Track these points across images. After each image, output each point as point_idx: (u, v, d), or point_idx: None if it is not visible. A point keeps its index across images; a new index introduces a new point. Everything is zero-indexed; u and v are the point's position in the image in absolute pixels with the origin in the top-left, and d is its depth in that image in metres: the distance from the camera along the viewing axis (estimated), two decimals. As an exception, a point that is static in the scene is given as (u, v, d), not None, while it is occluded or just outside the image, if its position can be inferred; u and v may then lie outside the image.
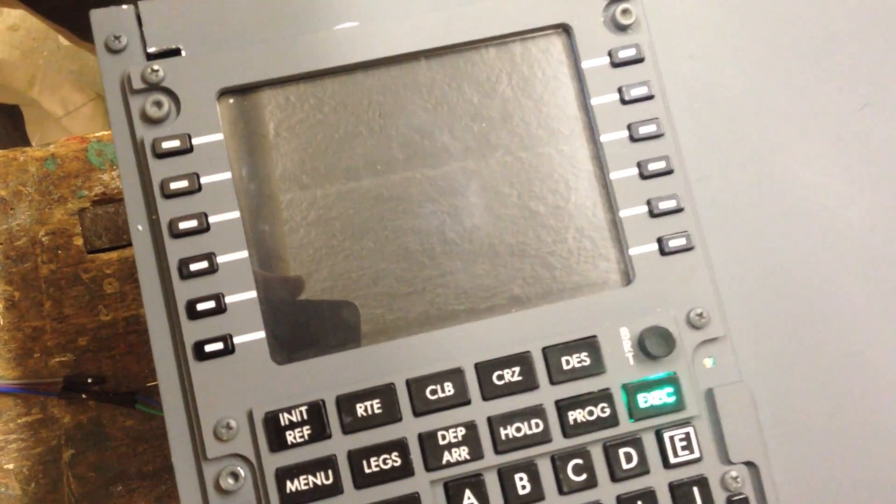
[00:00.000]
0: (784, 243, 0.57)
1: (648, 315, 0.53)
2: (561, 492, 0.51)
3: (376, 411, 0.51)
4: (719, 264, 0.56)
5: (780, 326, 0.56)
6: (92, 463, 0.69)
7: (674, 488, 0.52)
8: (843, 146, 0.57)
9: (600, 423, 0.52)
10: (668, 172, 0.55)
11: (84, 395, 0.67)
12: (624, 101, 0.54)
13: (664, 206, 0.55)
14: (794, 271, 0.57)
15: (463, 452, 0.51)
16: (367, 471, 0.50)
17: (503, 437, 0.51)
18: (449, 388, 0.51)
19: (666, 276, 0.54)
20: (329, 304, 0.54)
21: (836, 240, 0.57)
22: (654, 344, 0.52)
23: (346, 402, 0.51)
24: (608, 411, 0.52)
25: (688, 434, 0.53)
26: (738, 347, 0.55)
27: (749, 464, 0.53)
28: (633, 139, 0.54)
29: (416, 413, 0.51)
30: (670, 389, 0.53)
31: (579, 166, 0.56)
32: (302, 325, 0.53)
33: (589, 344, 0.53)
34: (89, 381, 0.67)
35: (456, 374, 0.52)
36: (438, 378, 0.52)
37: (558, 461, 0.52)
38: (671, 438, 0.53)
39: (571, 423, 0.52)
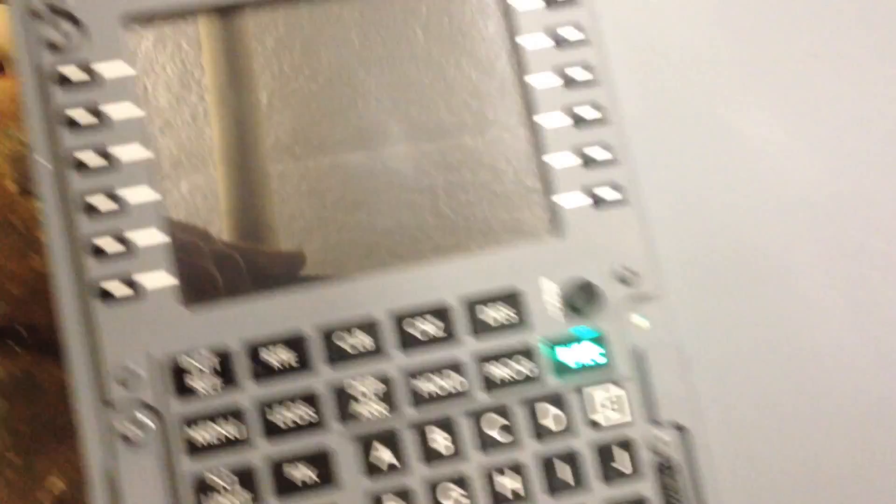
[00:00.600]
0: (727, 202, 0.54)
1: (576, 269, 0.50)
2: (480, 449, 0.48)
3: (288, 360, 0.48)
4: (658, 222, 0.53)
5: (720, 289, 0.53)
6: (24, 415, 0.66)
7: (599, 450, 0.49)
8: (790, 100, 0.53)
9: (523, 380, 0.49)
10: (603, 122, 0.51)
11: (16, 346, 0.64)
12: (557, 44, 0.51)
13: (598, 156, 0.51)
14: (736, 231, 0.53)
15: (378, 406, 0.48)
16: (277, 422, 0.47)
17: (420, 392, 0.48)
18: (364, 339, 0.48)
19: (598, 230, 0.51)
20: (247, 249, 0.50)
21: (782, 198, 0.53)
22: (579, 298, 0.49)
23: (256, 350, 0.48)
24: (532, 368, 0.49)
25: (615, 394, 0.50)
26: (674, 309, 0.52)
27: (680, 428, 0.49)
28: (566, 85, 0.51)
29: (330, 363, 0.48)
30: (598, 347, 0.49)
31: (510, 107, 0.52)
32: (216, 268, 0.49)
33: (513, 297, 0.49)
34: (21, 331, 0.64)
35: (372, 324, 0.48)
36: (353, 327, 0.48)
37: (478, 418, 0.48)
38: (598, 398, 0.49)
39: (493, 378, 0.49)
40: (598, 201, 0.51)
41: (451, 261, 0.50)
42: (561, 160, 0.51)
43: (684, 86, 0.54)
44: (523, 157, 0.53)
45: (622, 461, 0.49)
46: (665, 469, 0.49)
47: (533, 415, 0.49)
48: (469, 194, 0.53)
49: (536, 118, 0.51)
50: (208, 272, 0.49)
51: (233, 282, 0.50)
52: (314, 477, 0.47)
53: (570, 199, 0.51)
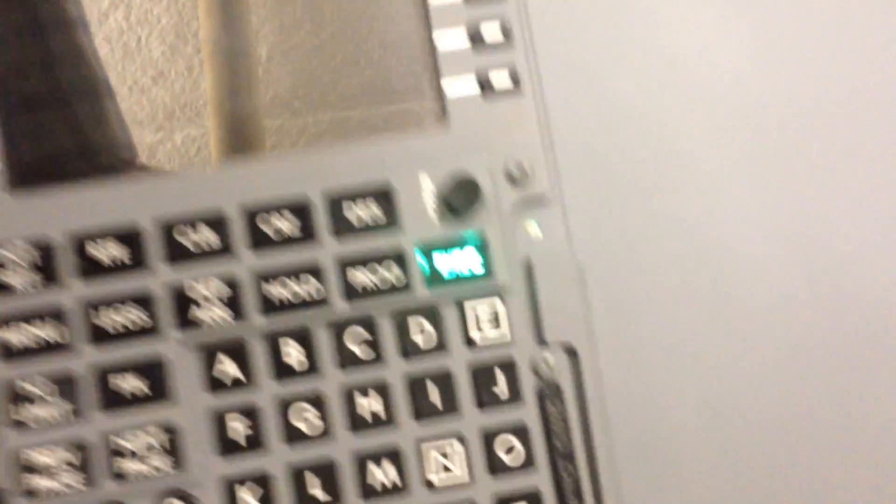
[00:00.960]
0: (636, 96, 0.46)
1: (458, 164, 0.43)
2: (340, 365, 0.41)
3: (120, 256, 0.41)
4: (557, 117, 0.45)
5: (622, 194, 0.46)
6: None
7: (475, 371, 0.42)
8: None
9: (390, 288, 0.42)
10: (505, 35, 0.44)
11: None
12: None
13: (491, 37, 0.44)
14: (644, 130, 0.46)
15: (223, 312, 0.41)
16: (104, 326, 0.40)
17: (272, 297, 0.41)
18: (210, 235, 0.41)
19: (487, 122, 0.44)
20: (80, 133, 0.43)
21: (697, 91, 0.46)
22: (457, 197, 0.42)
23: (82, 243, 0.41)
24: (400, 275, 0.42)
25: (495, 308, 0.43)
26: (570, 216, 0.45)
27: (569, 350, 0.43)
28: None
29: (169, 261, 0.41)
30: (477, 253, 0.42)
31: None
32: (46, 152, 0.42)
33: (381, 192, 0.42)
34: None
35: (219, 220, 0.41)
36: (198, 222, 0.41)
37: (337, 329, 0.42)
38: (475, 312, 0.43)
39: (355, 285, 0.42)
40: (489, 89, 0.44)
41: (317, 151, 0.42)
42: (449, 40, 0.44)
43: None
44: (409, 35, 0.45)
45: (500, 384, 0.42)
46: (548, 395, 0.42)
47: (401, 329, 0.42)
48: (347, 76, 0.45)
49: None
50: (37, 155, 0.42)
51: (63, 168, 0.42)
52: (145, 389, 0.41)
53: (458, 86, 0.44)
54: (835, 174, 0.43)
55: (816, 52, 0.44)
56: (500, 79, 0.44)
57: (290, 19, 0.49)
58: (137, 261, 0.41)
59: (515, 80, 0.44)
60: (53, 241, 0.41)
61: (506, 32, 0.44)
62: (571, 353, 0.43)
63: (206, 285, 0.41)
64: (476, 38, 0.44)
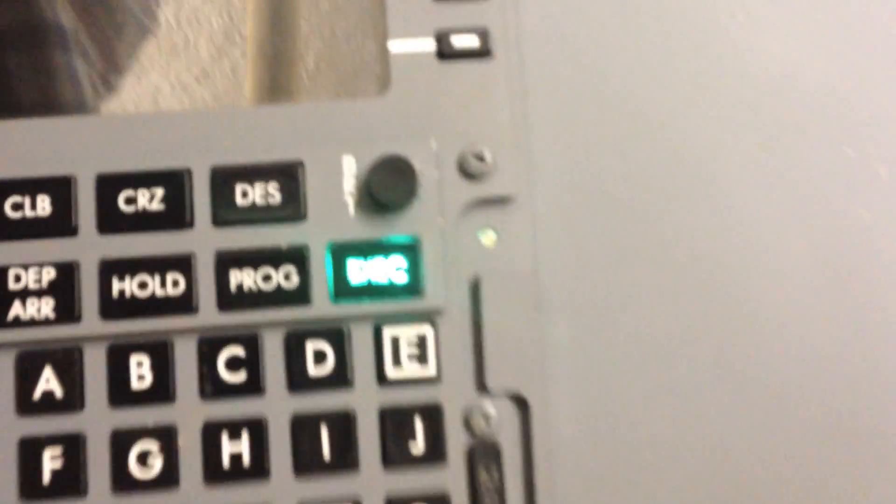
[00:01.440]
0: (643, 83, 0.31)
1: (390, 141, 0.27)
2: (202, 393, 0.26)
3: None
4: (537, 97, 0.30)
5: (614, 203, 0.31)
6: None
7: (386, 416, 0.27)
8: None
9: (282, 297, 0.27)
10: None
11: None
12: None
13: None
14: (649, 126, 0.31)
15: (47, 307, 0.26)
16: None
17: (117, 295, 0.26)
18: (45, 204, 0.26)
19: (441, 91, 0.28)
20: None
21: (717, 81, 0.31)
22: (385, 184, 0.27)
23: None
24: (297, 281, 0.27)
25: (423, 337, 0.27)
26: (541, 227, 0.29)
27: (517, 399, 0.27)
28: None
29: None
30: (402, 262, 0.27)
31: None
32: None
33: (287, 172, 0.27)
34: None
35: (61, 185, 0.26)
36: (31, 186, 0.26)
37: (207, 346, 0.26)
38: (395, 340, 0.27)
39: (234, 288, 0.27)
40: (446, 49, 0.28)
41: (210, 114, 0.28)
42: None
43: None
44: None
45: (417, 438, 0.27)
46: (481, 457, 0.27)
47: (292, 352, 0.27)
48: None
49: None
50: None
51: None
52: None
53: (407, 44, 0.28)
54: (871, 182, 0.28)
55: (848, 40, 0.29)
56: (463, 37, 0.28)
57: (341, 30, 0.38)
58: None
59: (484, 39, 0.28)
60: None
61: None
62: (520, 404, 0.29)
63: (35, 273, 0.26)
64: None
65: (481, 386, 0.31)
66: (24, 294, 0.29)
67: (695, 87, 0.33)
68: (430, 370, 0.30)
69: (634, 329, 0.32)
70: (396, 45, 0.31)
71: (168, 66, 0.41)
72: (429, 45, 0.31)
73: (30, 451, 0.29)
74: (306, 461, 0.29)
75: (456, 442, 0.30)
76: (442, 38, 0.31)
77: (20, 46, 0.37)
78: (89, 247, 0.29)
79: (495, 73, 0.31)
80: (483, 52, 0.31)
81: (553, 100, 0.32)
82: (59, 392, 0.29)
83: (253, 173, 0.30)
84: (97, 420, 0.29)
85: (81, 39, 0.39)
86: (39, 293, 0.29)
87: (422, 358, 0.30)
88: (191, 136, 0.30)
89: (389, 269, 0.30)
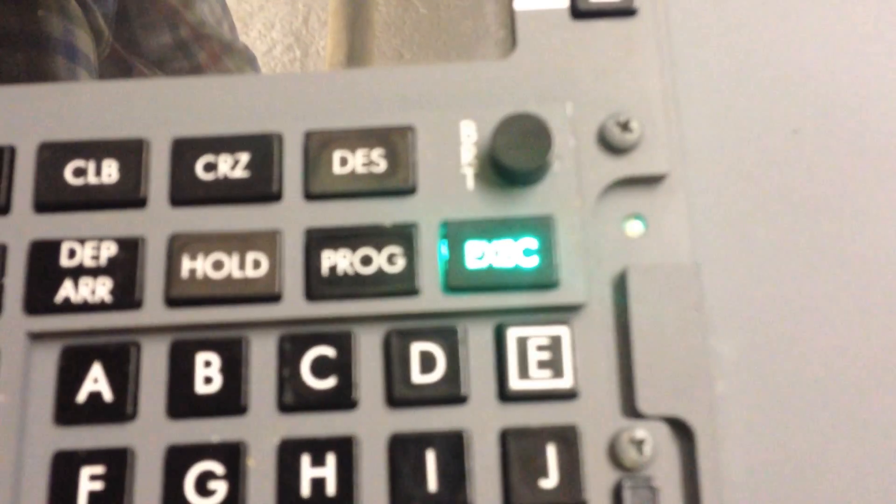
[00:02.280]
0: (808, 42, 0.20)
1: (518, 101, 0.17)
2: (281, 404, 0.16)
3: None
4: (688, 61, 0.20)
5: (787, 187, 0.19)
6: None
7: (509, 440, 0.16)
8: None
9: (384, 285, 0.17)
10: None
11: None
12: None
13: None
14: (812, 93, 0.20)
15: (103, 289, 0.16)
16: None
17: (187, 276, 0.16)
18: (111, 170, 0.17)
19: (576, 53, 0.19)
20: None
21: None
22: (509, 146, 0.16)
23: None
24: (402, 265, 0.17)
25: (556, 340, 0.16)
26: (698, 215, 0.18)
27: (675, 423, 0.16)
28: None
29: (39, 205, 0.17)
30: (533, 243, 0.16)
31: None
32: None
33: (395, 138, 0.18)
34: None
35: (131, 149, 0.17)
36: (97, 149, 0.17)
37: (290, 344, 0.16)
38: (523, 344, 0.16)
39: (326, 272, 0.17)
40: (582, 4, 0.18)
41: (316, 76, 0.21)
42: None
43: None
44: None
45: (550, 468, 0.16)
46: (633, 495, 0.15)
47: (393, 357, 0.16)
48: None
49: None
50: None
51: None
52: None
53: (536, 0, 0.19)
54: None
55: None
56: None
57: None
58: None
59: None
60: None
61: None
62: (681, 431, 0.17)
63: (92, 248, 0.17)
64: None
65: (630, 406, 0.20)
66: (77, 272, 0.20)
67: (882, 52, 0.22)
68: (565, 382, 0.20)
69: (814, 342, 0.21)
70: (522, 3, 0.22)
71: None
72: (561, 1, 0.22)
73: (64, 468, 0.19)
74: (406, 494, 0.19)
75: (598, 477, 0.19)
76: (576, -7, 0.22)
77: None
78: (159, 220, 0.20)
79: (640, 34, 0.22)
80: (626, 10, 0.22)
81: (705, 65, 0.22)
82: (107, 395, 0.19)
83: (354, 138, 0.20)
84: (151, 433, 0.19)
85: None
86: (96, 272, 0.20)
87: (555, 367, 0.20)
88: (283, 100, 0.21)
89: (516, 254, 0.20)
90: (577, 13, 0.23)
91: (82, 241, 0.21)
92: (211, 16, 0.36)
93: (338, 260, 0.21)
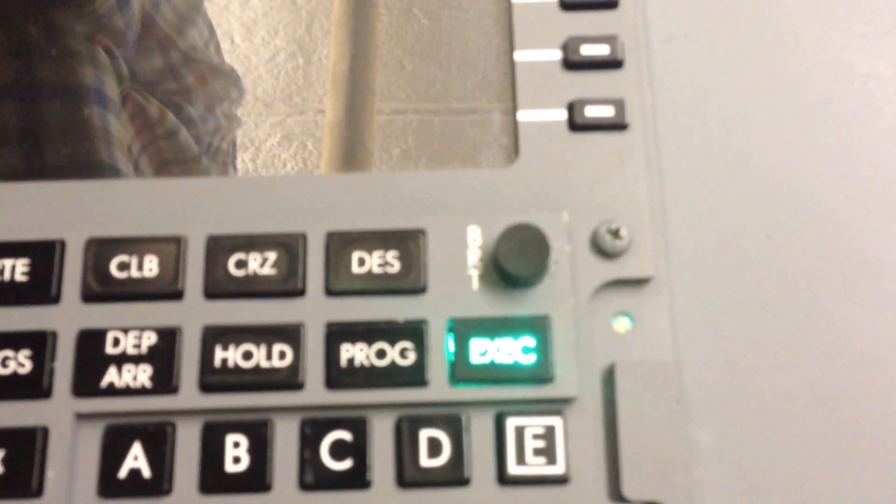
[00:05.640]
0: (781, 151, 0.23)
1: (520, 212, 0.20)
2: (302, 483, 0.18)
3: (19, 279, 0.20)
4: (674, 171, 0.22)
5: (765, 289, 0.22)
6: None
7: None
8: None
9: (396, 376, 0.19)
10: (609, 4, 0.22)
11: None
12: None
13: (591, 52, 0.21)
14: (804, 204, 0.23)
15: (143, 375, 0.19)
16: None
17: (219, 365, 0.19)
18: (151, 265, 0.19)
19: (572, 163, 0.21)
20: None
21: (869, 150, 0.22)
22: (511, 254, 0.19)
23: None
24: (414, 359, 0.19)
25: (550, 430, 0.19)
26: (681, 315, 0.21)
27: None
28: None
29: (86, 296, 0.20)
30: (531, 342, 0.19)
31: None
32: None
33: (408, 240, 0.20)
34: None
35: (169, 245, 0.20)
36: (139, 245, 0.20)
37: (311, 428, 0.19)
38: (520, 434, 0.19)
39: (345, 364, 0.19)
40: (578, 119, 0.21)
41: (330, 178, 0.22)
42: (534, 56, 0.22)
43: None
44: (488, 49, 0.24)
45: None
46: None
47: (404, 442, 0.18)
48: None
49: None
50: None
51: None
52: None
53: (538, 113, 0.21)
54: None
55: None
56: (598, 108, 0.21)
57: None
58: (43, 290, 0.19)
59: (620, 110, 0.21)
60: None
61: (613, 49, 0.22)
62: None
63: (135, 337, 0.19)
64: (571, 59, 0.21)
65: (615, 492, 0.22)
66: (121, 359, 0.22)
67: (851, 165, 0.25)
68: (558, 469, 0.22)
69: (785, 432, 0.23)
70: (526, 115, 0.24)
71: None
72: (560, 115, 0.24)
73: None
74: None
75: (586, 556, 0.21)
76: (574, 109, 0.24)
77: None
78: (194, 312, 0.22)
79: (631, 146, 0.24)
80: (619, 125, 0.24)
81: (688, 176, 0.25)
82: (146, 472, 0.21)
83: (371, 240, 0.23)
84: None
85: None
86: (137, 359, 0.22)
87: (549, 454, 0.22)
88: (307, 201, 0.23)
89: (516, 351, 0.22)
90: (575, 126, 0.26)
91: (125, 331, 0.23)
92: (200, 39, 0.37)
93: (355, 353, 0.23)
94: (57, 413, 0.22)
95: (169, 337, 0.23)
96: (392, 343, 0.23)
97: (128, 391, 0.23)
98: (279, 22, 0.36)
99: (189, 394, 0.23)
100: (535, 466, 0.23)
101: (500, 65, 0.27)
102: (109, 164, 0.33)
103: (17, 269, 0.23)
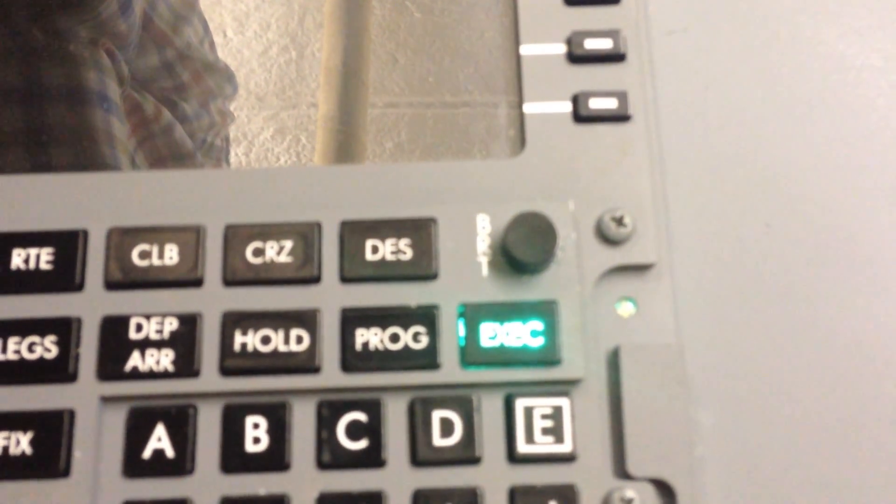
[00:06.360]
0: (791, 150, 0.24)
1: (527, 201, 0.21)
2: (319, 462, 0.19)
3: (43, 268, 0.20)
4: (674, 160, 0.23)
5: (762, 276, 0.23)
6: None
7: (516, 496, 0.19)
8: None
9: (409, 359, 0.20)
10: (612, 0, 0.23)
11: None
12: None
13: (594, 46, 0.22)
14: (801, 195, 0.24)
15: (166, 360, 0.20)
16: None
17: (239, 349, 0.20)
18: (172, 254, 0.20)
19: (577, 153, 0.22)
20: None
21: (871, 148, 0.24)
22: (520, 241, 0.20)
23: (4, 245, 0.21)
24: (427, 343, 0.20)
25: (558, 410, 0.20)
26: (682, 299, 0.22)
27: (660, 485, 0.19)
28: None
29: (109, 284, 0.20)
30: (539, 325, 0.20)
31: None
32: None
33: (419, 229, 0.21)
34: None
35: (188, 234, 0.21)
36: (160, 235, 0.20)
37: (327, 410, 0.20)
38: (529, 414, 0.20)
39: (360, 348, 0.20)
40: (583, 111, 0.22)
41: (345, 169, 0.23)
42: (539, 49, 0.23)
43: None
44: (480, 42, 0.24)
45: None
46: None
47: (417, 422, 0.19)
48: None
49: None
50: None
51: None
52: (29, 452, 0.19)
53: (544, 106, 0.22)
54: None
55: None
56: (601, 100, 0.22)
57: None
58: (65, 276, 0.20)
59: (623, 102, 0.22)
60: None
61: (616, 43, 0.22)
62: (665, 492, 0.23)
63: (157, 323, 0.20)
64: (576, 52, 0.22)
65: (621, 469, 0.23)
66: (144, 344, 0.23)
67: (845, 155, 0.26)
68: (565, 447, 0.23)
69: (783, 411, 0.24)
70: (532, 107, 0.25)
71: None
72: (565, 107, 0.25)
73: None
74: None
75: (593, 530, 0.22)
76: (579, 101, 0.25)
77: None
78: (214, 298, 0.23)
79: (634, 137, 0.25)
80: (621, 116, 0.25)
81: (689, 166, 0.26)
82: (169, 452, 0.22)
83: (384, 228, 0.24)
84: (207, 486, 0.22)
85: None
86: (160, 344, 0.23)
87: (557, 433, 0.23)
88: (321, 191, 0.24)
89: (524, 334, 0.23)
90: (579, 118, 0.27)
91: (148, 317, 0.24)
92: (195, 37, 0.38)
93: (370, 337, 0.24)
94: (83, 396, 0.23)
95: (190, 322, 0.24)
96: (405, 327, 0.24)
97: (151, 375, 0.23)
98: (271, 15, 0.36)
99: (210, 377, 0.24)
100: (544, 445, 0.23)
101: (492, 58, 0.28)
102: (112, 166, 0.34)
103: (42, 257, 0.24)
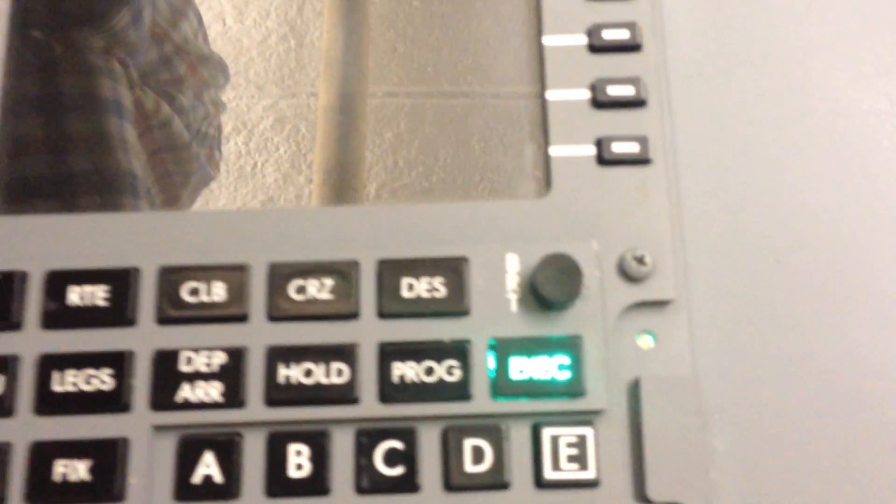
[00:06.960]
0: (809, 188, 0.26)
1: (554, 241, 0.22)
2: (358, 487, 0.21)
3: (99, 304, 0.22)
4: (693, 202, 0.25)
5: (777, 312, 0.25)
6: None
7: None
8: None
9: (443, 391, 0.22)
10: (633, 48, 0.24)
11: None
12: None
13: (617, 92, 0.24)
14: (818, 233, 0.25)
15: (214, 391, 0.21)
16: (57, 388, 0.21)
17: (283, 381, 0.21)
18: (219, 291, 0.22)
19: (600, 195, 0.24)
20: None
21: (874, 177, 0.25)
22: (550, 283, 0.21)
23: (56, 281, 0.22)
24: (459, 375, 0.22)
25: (582, 439, 0.22)
26: (696, 327, 0.24)
27: None
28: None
29: (161, 319, 0.22)
30: (565, 360, 0.21)
31: (512, 27, 0.27)
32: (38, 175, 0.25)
33: (452, 267, 0.23)
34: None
35: (235, 272, 0.22)
36: (208, 273, 0.22)
37: (366, 438, 0.21)
38: (555, 442, 0.21)
39: (396, 380, 0.21)
40: (606, 154, 0.23)
41: (379, 209, 0.27)
42: (565, 95, 0.24)
43: (759, 24, 0.26)
44: (479, 31, 0.26)
45: None
46: None
47: (450, 449, 0.21)
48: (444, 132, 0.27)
49: (544, 39, 0.25)
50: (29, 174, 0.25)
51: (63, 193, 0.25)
52: (87, 479, 0.21)
53: (569, 149, 0.24)
54: None
55: None
56: (624, 144, 0.24)
57: (403, 161, 0.32)
58: (119, 312, 0.22)
59: (644, 146, 0.24)
60: (24, 276, 0.22)
61: (637, 89, 0.24)
62: None
63: (199, 354, 0.22)
64: (599, 98, 0.24)
65: (641, 494, 0.24)
66: (193, 377, 0.24)
67: (852, 194, 0.27)
68: (589, 474, 0.24)
69: (797, 438, 0.26)
70: (557, 150, 0.27)
71: (236, 190, 0.37)
72: (589, 150, 0.26)
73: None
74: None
75: (615, 553, 0.24)
76: (602, 145, 0.26)
77: (98, 192, 0.34)
78: (259, 333, 0.25)
79: (654, 179, 0.26)
80: (643, 159, 0.26)
81: (705, 206, 0.27)
82: (218, 477, 0.24)
83: (419, 267, 0.25)
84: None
85: (149, 187, 0.35)
86: (208, 377, 0.24)
87: (581, 460, 0.24)
88: (358, 231, 0.26)
89: (551, 367, 0.25)
90: (603, 160, 0.28)
91: (197, 350, 0.26)
92: (190, 30, 0.39)
93: (406, 370, 0.26)
94: (136, 425, 0.25)
95: (236, 356, 0.25)
96: (439, 361, 0.25)
97: (200, 405, 0.25)
98: (271, 4, 0.37)
99: (255, 407, 0.25)
100: (569, 472, 0.25)
101: (490, 48, 0.29)
102: (128, 171, 0.35)
103: (98, 294, 0.26)
